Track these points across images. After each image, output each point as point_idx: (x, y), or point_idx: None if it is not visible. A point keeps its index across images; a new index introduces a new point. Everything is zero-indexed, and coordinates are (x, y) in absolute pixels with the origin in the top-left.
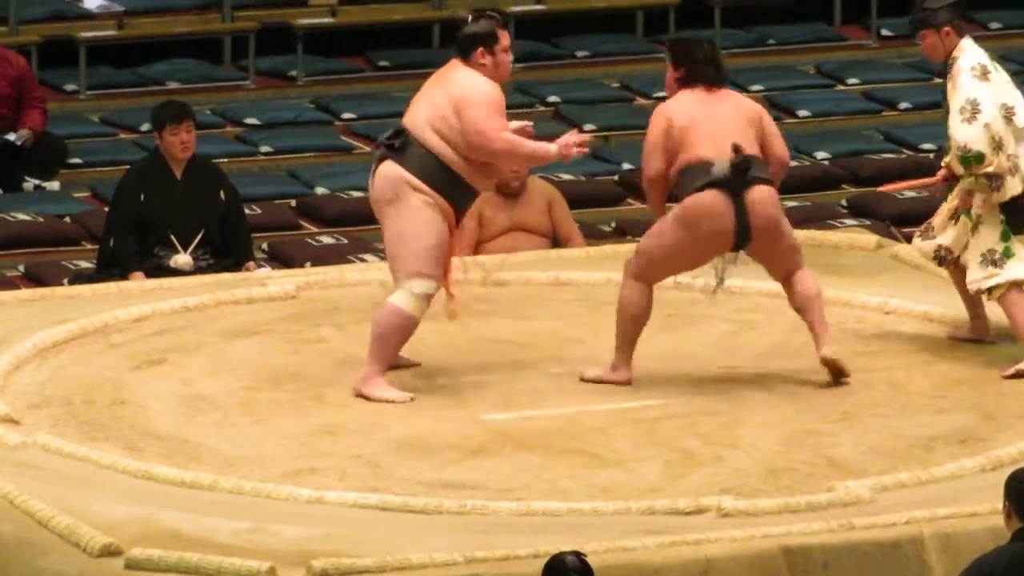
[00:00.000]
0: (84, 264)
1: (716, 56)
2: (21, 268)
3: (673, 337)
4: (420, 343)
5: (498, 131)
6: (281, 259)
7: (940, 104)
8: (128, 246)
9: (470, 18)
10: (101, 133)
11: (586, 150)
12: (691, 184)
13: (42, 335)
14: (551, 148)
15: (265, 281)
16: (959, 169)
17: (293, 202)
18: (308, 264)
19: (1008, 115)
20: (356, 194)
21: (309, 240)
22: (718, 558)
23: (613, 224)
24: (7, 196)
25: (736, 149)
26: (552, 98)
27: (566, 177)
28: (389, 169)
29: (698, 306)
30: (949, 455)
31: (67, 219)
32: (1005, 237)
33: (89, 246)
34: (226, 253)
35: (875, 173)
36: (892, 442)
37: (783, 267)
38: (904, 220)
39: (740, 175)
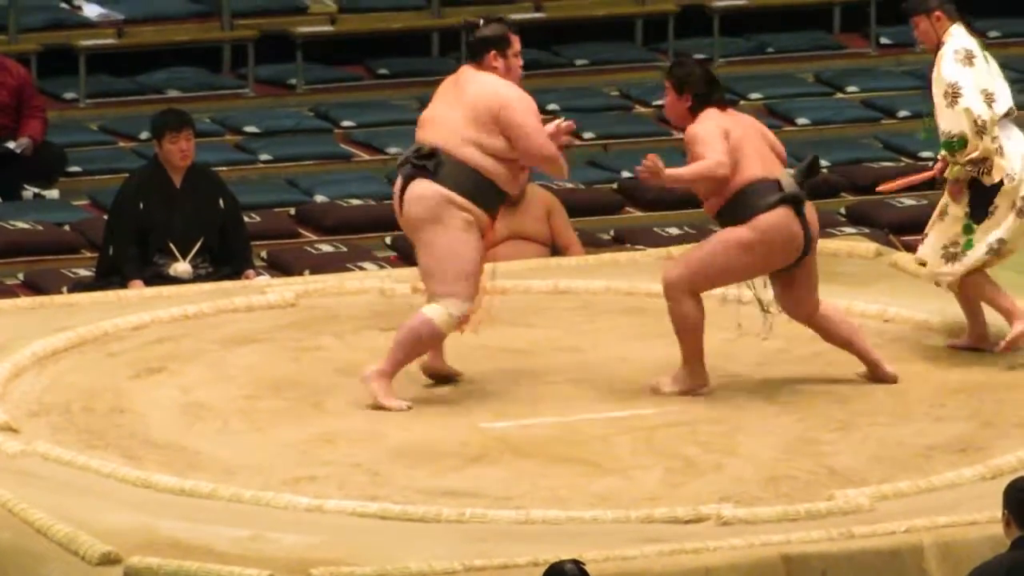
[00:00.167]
0: (83, 272)
1: (715, 76)
2: (20, 276)
3: (673, 345)
4: None
5: (544, 134)
6: (280, 267)
7: None
8: (127, 254)
9: (482, 22)
10: (100, 141)
11: (573, 127)
12: (758, 202)
13: (41, 343)
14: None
15: (264, 289)
16: (948, 157)
17: (292, 210)
18: (307, 272)
19: (988, 101)
20: (355, 202)
21: (308, 248)
22: (717, 566)
23: (612, 232)
24: (6, 204)
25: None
26: (551, 106)
27: (565, 185)
28: (425, 188)
29: None
30: (948, 463)
31: (66, 227)
32: (967, 230)
33: (88, 254)
34: (225, 261)
35: (874, 181)
36: (891, 450)
37: (810, 287)
38: (903, 228)
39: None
